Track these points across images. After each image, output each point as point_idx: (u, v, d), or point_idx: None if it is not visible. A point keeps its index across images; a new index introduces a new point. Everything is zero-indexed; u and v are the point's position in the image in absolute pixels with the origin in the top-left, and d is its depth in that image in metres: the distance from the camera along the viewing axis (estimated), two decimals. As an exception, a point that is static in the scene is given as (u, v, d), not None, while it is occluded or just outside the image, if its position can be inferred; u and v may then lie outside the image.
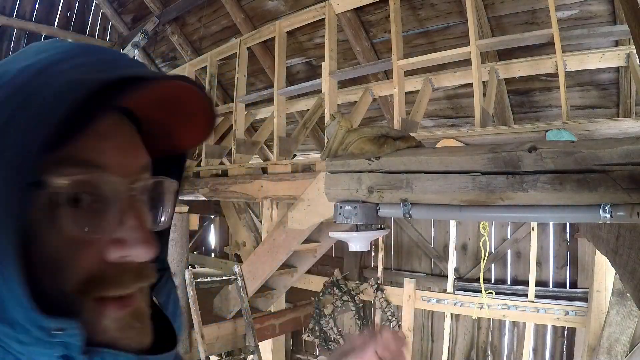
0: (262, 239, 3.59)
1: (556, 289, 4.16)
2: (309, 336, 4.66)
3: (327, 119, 3.14)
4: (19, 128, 0.34)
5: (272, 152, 4.56)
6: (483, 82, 2.95)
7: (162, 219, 0.47)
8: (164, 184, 0.47)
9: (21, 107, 0.34)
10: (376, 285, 4.43)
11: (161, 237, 0.50)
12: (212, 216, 6.65)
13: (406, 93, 3.14)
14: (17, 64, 0.38)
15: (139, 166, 0.44)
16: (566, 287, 4.16)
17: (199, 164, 4.40)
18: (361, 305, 4.56)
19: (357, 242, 2.41)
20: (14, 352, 0.35)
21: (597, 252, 2.81)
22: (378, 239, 4.52)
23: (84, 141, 0.39)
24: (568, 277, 4.20)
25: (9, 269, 0.33)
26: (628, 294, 2.59)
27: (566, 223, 4.02)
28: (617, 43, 3.06)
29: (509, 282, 4.49)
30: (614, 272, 2.56)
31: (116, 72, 0.37)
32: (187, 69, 4.93)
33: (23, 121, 0.34)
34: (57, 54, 0.39)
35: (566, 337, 4.17)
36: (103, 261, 0.39)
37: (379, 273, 4.57)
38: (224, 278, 3.39)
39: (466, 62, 2.93)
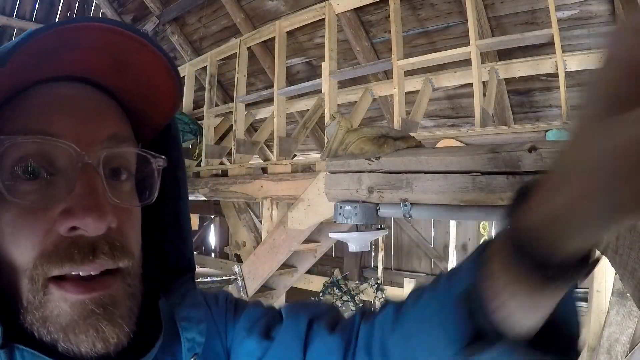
0: (262, 239, 3.59)
1: (556, 289, 4.16)
2: (309, 336, 4.67)
3: (327, 119, 3.14)
4: None
5: (272, 152, 4.56)
6: (483, 82, 2.95)
7: (128, 195, 0.43)
8: (131, 156, 0.44)
9: None
10: (376, 285, 4.43)
11: (184, 233, 0.50)
12: (212, 216, 6.65)
13: (406, 93, 3.14)
14: None
15: (103, 136, 0.41)
16: (566, 287, 4.15)
17: (198, 164, 4.40)
18: (361, 305, 4.56)
19: (357, 243, 2.41)
20: None
21: (597, 252, 2.81)
22: (378, 239, 4.53)
23: (37, 112, 0.38)
24: (568, 277, 4.20)
25: None
26: (628, 294, 2.59)
27: (566, 223, 4.01)
28: (617, 43, 3.06)
29: (509, 282, 4.49)
30: (614, 272, 2.56)
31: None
32: (187, 69, 4.93)
33: None
34: None
35: (566, 337, 4.17)
36: (57, 235, 0.37)
37: (379, 273, 4.58)
38: (224, 278, 3.39)
39: (466, 62, 2.93)
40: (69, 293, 0.37)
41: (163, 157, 0.45)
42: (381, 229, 2.64)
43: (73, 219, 0.36)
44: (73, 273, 0.37)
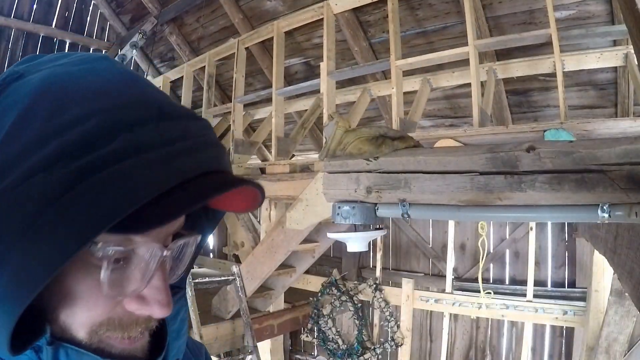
0: (261, 240, 3.58)
1: (554, 289, 4.16)
2: (307, 336, 4.66)
3: (325, 119, 3.14)
4: (110, 192, 0.34)
5: (270, 153, 4.56)
6: (481, 82, 2.96)
7: (180, 272, 0.48)
8: (189, 242, 0.47)
9: (117, 177, 0.34)
10: (375, 285, 4.43)
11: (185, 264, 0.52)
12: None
13: (404, 93, 3.14)
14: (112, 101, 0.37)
15: (173, 230, 0.45)
16: (564, 287, 4.16)
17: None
18: (360, 305, 4.56)
19: (356, 243, 2.41)
20: None
21: (596, 251, 2.82)
22: (376, 239, 4.53)
23: None
24: (566, 277, 4.20)
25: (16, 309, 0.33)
26: (626, 294, 2.59)
27: (564, 223, 4.02)
28: (615, 43, 3.07)
29: (507, 282, 4.49)
30: (612, 271, 2.56)
31: (202, 167, 0.40)
32: (185, 70, 4.93)
33: (115, 189, 0.34)
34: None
35: (565, 337, 4.18)
36: (123, 310, 0.42)
37: (378, 273, 4.57)
38: (223, 278, 3.39)
39: (464, 62, 2.94)
40: (115, 345, 0.42)
41: (200, 235, 0.50)
42: (379, 229, 2.64)
43: (146, 307, 0.41)
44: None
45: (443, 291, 4.28)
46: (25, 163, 0.34)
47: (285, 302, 4.38)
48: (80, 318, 0.40)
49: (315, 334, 4.62)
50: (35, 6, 5.78)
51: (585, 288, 3.56)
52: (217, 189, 0.40)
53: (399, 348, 4.30)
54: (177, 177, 0.37)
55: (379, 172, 2.07)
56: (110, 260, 0.39)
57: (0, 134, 0.36)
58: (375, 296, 4.39)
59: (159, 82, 5.51)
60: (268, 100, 4.17)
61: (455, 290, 4.24)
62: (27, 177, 0.33)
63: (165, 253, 0.42)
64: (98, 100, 0.37)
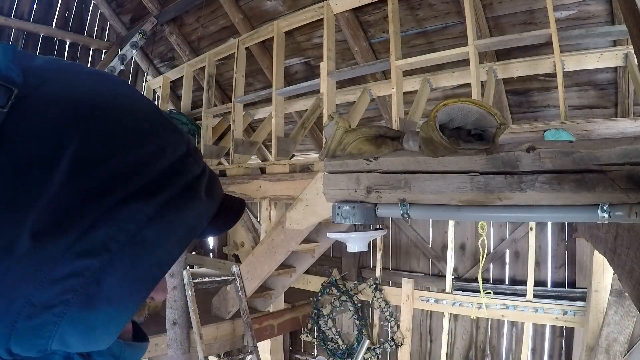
0: (261, 240, 3.58)
1: (554, 289, 4.16)
2: (307, 336, 4.66)
3: (325, 119, 3.14)
4: (190, 215, 0.42)
5: (270, 152, 4.56)
6: (481, 82, 2.96)
7: None
8: None
9: (190, 205, 0.42)
10: (374, 285, 4.43)
11: None
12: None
13: (404, 93, 3.14)
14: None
15: None
16: (564, 287, 4.16)
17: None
18: (359, 305, 4.56)
19: (356, 243, 2.41)
20: None
21: (596, 251, 2.82)
22: (376, 239, 4.53)
23: None
24: (566, 277, 4.20)
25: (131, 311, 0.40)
26: (626, 294, 2.60)
27: (564, 223, 4.02)
28: (615, 43, 3.06)
29: (507, 282, 4.49)
30: (612, 271, 2.56)
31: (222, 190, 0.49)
32: (185, 69, 4.93)
33: (193, 213, 0.42)
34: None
35: (565, 337, 4.18)
36: None
37: (378, 273, 4.57)
38: (223, 278, 3.39)
39: (464, 62, 2.94)
40: (125, 334, 0.48)
41: None
42: (379, 229, 2.64)
43: (154, 294, 0.47)
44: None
45: (443, 291, 4.28)
46: (130, 185, 0.37)
47: (285, 302, 4.38)
48: None
49: (315, 334, 4.62)
50: (35, 6, 5.77)
51: (585, 288, 3.56)
52: (240, 208, 0.51)
53: (399, 348, 4.30)
54: (218, 200, 0.46)
55: (379, 172, 2.07)
56: None
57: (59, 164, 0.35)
58: (375, 296, 4.39)
59: (159, 82, 5.52)
60: (268, 100, 4.16)
61: (455, 290, 4.24)
62: (128, 198, 0.37)
63: None
64: (153, 132, 0.41)
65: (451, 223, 4.34)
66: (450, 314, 4.26)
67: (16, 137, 0.33)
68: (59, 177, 0.34)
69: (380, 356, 4.36)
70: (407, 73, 3.29)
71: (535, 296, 3.84)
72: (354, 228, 2.41)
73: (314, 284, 4.85)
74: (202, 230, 0.45)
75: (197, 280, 3.18)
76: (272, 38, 3.76)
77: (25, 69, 0.36)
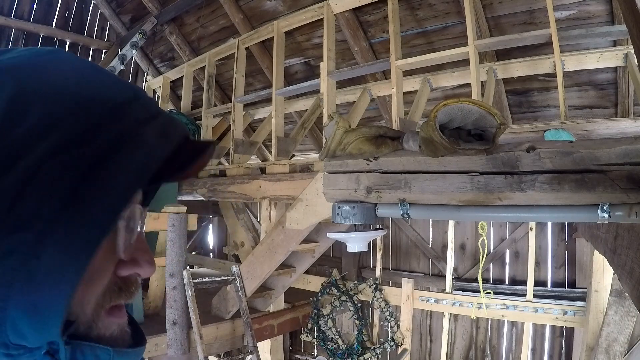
0: (261, 240, 3.58)
1: (554, 289, 4.16)
2: (307, 336, 4.66)
3: (325, 119, 3.14)
4: (137, 156, 0.39)
5: (270, 153, 4.56)
6: (481, 82, 2.95)
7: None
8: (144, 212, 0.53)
9: (137, 147, 0.39)
10: (374, 285, 4.43)
11: None
12: (211, 216, 6.64)
13: (404, 93, 3.14)
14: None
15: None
16: (564, 287, 4.16)
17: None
18: (359, 305, 4.56)
19: (356, 243, 2.41)
20: None
21: (596, 251, 2.82)
22: (376, 239, 4.53)
23: None
24: (566, 277, 4.20)
25: (71, 285, 0.35)
26: (626, 294, 2.59)
27: (564, 223, 4.02)
28: (615, 43, 3.06)
29: (507, 282, 4.50)
30: (612, 271, 2.56)
31: (184, 133, 0.45)
32: (185, 69, 4.93)
33: (141, 154, 0.39)
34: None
35: (564, 337, 4.18)
36: (115, 276, 0.44)
37: (378, 273, 4.57)
38: (223, 278, 3.39)
39: (464, 62, 2.93)
40: (118, 319, 0.45)
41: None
42: (379, 229, 2.64)
43: (138, 268, 0.45)
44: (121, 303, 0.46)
45: (443, 291, 4.28)
46: (42, 144, 0.34)
47: (285, 302, 4.38)
48: (90, 292, 0.41)
49: (315, 334, 4.62)
50: (35, 6, 5.78)
51: (585, 288, 3.56)
52: (205, 150, 0.48)
53: (399, 348, 4.30)
54: (174, 143, 0.42)
55: (379, 172, 2.07)
56: (126, 221, 0.43)
57: None
58: (375, 296, 4.39)
59: (159, 82, 5.52)
60: (268, 100, 4.16)
61: (455, 290, 4.24)
62: (50, 157, 0.34)
63: (144, 214, 0.47)
64: (88, 89, 0.39)
65: (451, 223, 4.34)
66: (450, 314, 4.26)
67: None
68: None
69: (380, 356, 4.36)
70: (407, 73, 3.29)
71: (535, 296, 3.84)
72: (354, 228, 2.41)
73: (314, 284, 4.85)
74: (158, 175, 0.44)
75: (197, 280, 3.18)
76: (272, 38, 3.76)
77: None
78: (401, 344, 4.28)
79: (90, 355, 0.41)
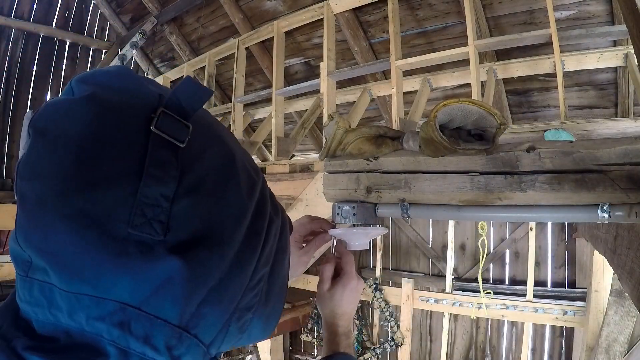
0: (261, 239, 3.58)
1: (554, 289, 4.16)
2: (307, 336, 4.66)
3: (325, 119, 3.14)
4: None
5: (270, 153, 4.56)
6: (481, 82, 2.96)
7: None
8: None
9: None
10: (374, 285, 4.43)
11: None
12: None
13: (404, 93, 3.14)
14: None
15: None
16: (564, 287, 4.16)
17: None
18: (359, 305, 4.56)
19: (357, 238, 2.40)
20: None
21: (596, 251, 2.82)
22: (376, 239, 4.53)
23: None
24: (566, 277, 4.20)
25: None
26: (626, 294, 2.59)
27: (564, 223, 4.02)
28: (615, 43, 3.07)
29: (507, 282, 4.49)
30: (612, 271, 2.56)
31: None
32: (185, 69, 4.93)
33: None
34: None
35: (564, 337, 4.18)
36: None
37: (378, 273, 4.58)
38: (223, 278, 3.39)
39: (464, 62, 2.94)
40: None
41: None
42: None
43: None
44: None
45: (443, 291, 4.28)
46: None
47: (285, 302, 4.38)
48: None
49: (315, 334, 4.62)
50: (35, 6, 5.78)
51: (585, 288, 3.56)
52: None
53: (399, 348, 4.30)
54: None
55: (379, 172, 2.07)
56: None
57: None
58: (375, 296, 4.39)
59: (159, 82, 5.50)
60: (268, 100, 4.16)
61: (455, 290, 4.24)
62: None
63: None
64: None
65: (451, 223, 4.34)
66: (450, 314, 4.26)
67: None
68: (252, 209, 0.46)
69: (380, 356, 4.36)
70: (407, 73, 3.29)
71: (535, 296, 3.84)
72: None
73: (314, 284, 4.79)
74: None
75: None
76: (272, 38, 3.76)
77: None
78: (401, 344, 4.28)
79: None
